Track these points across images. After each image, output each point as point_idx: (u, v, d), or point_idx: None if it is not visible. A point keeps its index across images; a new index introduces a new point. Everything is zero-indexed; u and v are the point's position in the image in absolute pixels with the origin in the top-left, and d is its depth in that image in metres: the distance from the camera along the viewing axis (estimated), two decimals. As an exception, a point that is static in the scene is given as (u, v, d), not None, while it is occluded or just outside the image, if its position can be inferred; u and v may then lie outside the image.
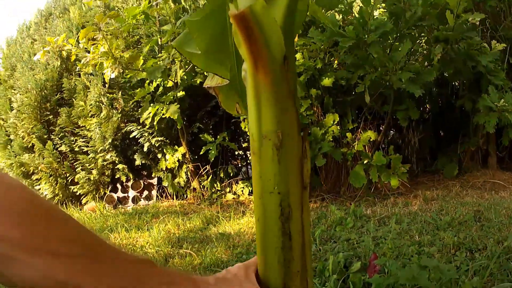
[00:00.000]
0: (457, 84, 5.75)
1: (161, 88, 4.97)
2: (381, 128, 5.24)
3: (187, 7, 5.32)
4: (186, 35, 1.89)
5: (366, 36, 4.32)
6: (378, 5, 4.89)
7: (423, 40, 5.33)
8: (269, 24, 1.05)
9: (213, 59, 1.96)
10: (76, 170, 5.63)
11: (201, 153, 5.01)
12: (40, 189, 5.78)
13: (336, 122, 4.50)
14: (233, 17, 1.03)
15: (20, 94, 5.95)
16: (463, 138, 5.61)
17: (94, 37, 4.79)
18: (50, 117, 5.90)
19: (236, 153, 6.38)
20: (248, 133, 4.63)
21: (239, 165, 6.27)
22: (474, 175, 5.47)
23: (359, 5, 5.20)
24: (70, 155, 5.71)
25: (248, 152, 6.21)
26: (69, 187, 5.70)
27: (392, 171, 4.57)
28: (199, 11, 1.78)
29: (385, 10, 5.02)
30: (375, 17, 4.58)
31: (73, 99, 5.73)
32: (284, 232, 0.93)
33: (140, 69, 4.84)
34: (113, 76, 4.70)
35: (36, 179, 5.83)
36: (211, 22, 1.94)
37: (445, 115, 5.88)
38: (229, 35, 2.11)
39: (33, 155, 5.77)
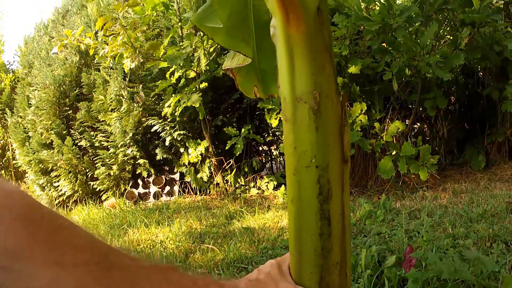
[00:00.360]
0: (481, 75, 5.63)
1: (183, 80, 4.87)
2: (406, 122, 5.12)
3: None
4: (206, 9, 1.79)
5: (391, 20, 4.22)
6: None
7: (449, 25, 5.23)
8: None
9: (236, 36, 1.84)
10: (96, 165, 5.55)
11: (227, 148, 4.91)
12: (59, 186, 5.73)
13: (363, 112, 4.39)
14: None
15: (38, 91, 5.91)
16: (490, 129, 5.50)
17: (112, 28, 4.71)
18: (69, 112, 5.85)
19: (260, 148, 6.29)
20: (271, 124, 4.52)
21: (264, 161, 6.15)
22: (501, 168, 5.38)
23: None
24: (90, 150, 5.65)
25: (272, 148, 6.09)
26: (89, 183, 5.63)
27: (421, 162, 4.45)
28: None
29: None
30: (399, 3, 4.49)
31: (93, 94, 5.66)
32: (322, 215, 0.80)
33: (161, 59, 4.74)
34: (132, 66, 4.60)
35: (55, 176, 5.77)
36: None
37: (472, 106, 5.77)
38: (249, 13, 2.00)
39: (52, 151, 5.71)
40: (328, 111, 0.88)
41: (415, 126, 5.79)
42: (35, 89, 6.00)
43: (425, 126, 5.84)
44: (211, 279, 0.63)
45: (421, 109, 5.00)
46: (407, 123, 5.05)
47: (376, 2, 5.16)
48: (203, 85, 4.67)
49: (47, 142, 5.85)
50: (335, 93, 0.93)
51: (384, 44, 4.36)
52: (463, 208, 3.83)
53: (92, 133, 5.62)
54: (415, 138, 5.31)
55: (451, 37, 5.03)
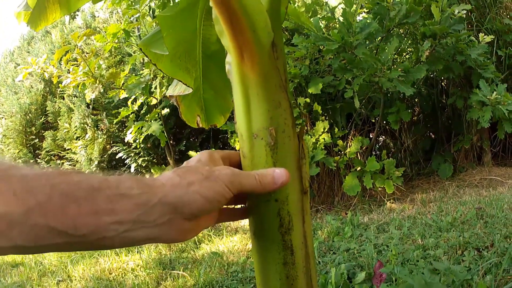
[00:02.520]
0: (444, 84, 5.70)
1: (145, 107, 4.87)
2: (371, 135, 5.15)
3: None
4: (154, 35, 1.77)
5: (351, 38, 4.24)
6: (360, 10, 4.83)
7: (410, 39, 5.28)
8: (254, 5, 0.92)
9: (179, 64, 1.83)
10: (64, 194, 5.50)
11: (190, 172, 4.84)
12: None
13: (326, 130, 4.40)
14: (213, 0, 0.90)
15: (5, 119, 5.86)
16: (456, 137, 5.57)
17: (74, 56, 4.70)
18: (36, 141, 5.82)
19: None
20: (235, 147, 4.51)
21: None
22: (469, 174, 5.42)
23: (342, 8, 5.15)
24: (57, 180, 5.58)
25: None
26: (58, 212, 5.57)
27: (386, 176, 4.47)
28: (173, 6, 1.67)
29: (368, 11, 4.96)
30: (358, 20, 4.51)
31: (58, 122, 5.62)
32: (285, 246, 0.82)
33: (122, 88, 4.73)
34: (93, 96, 4.59)
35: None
36: (183, 19, 1.81)
37: (437, 115, 5.82)
38: (197, 42, 1.99)
39: (19, 180, 5.64)
40: (285, 146, 0.88)
41: (380, 139, 5.82)
42: (2, 117, 5.95)
43: (390, 139, 5.87)
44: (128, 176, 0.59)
45: (384, 122, 5.02)
46: (371, 136, 5.09)
47: (336, 20, 5.20)
48: (165, 111, 4.66)
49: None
50: (292, 127, 0.93)
51: (344, 62, 4.38)
52: (432, 218, 3.84)
53: (58, 161, 5.58)
54: (380, 151, 5.35)
55: (412, 49, 5.07)
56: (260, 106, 0.90)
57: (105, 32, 4.89)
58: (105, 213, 0.53)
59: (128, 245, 0.57)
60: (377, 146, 5.77)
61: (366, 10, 5.01)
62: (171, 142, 5.11)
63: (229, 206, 0.77)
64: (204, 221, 0.68)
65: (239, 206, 0.78)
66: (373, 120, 5.27)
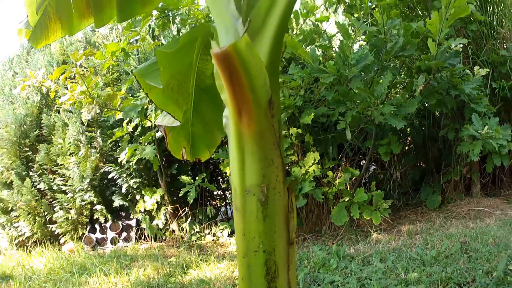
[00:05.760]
0: (437, 114, 5.73)
1: (139, 128, 4.90)
2: (361, 163, 5.18)
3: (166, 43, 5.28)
4: (150, 65, 1.82)
5: (347, 70, 4.28)
6: (358, 38, 4.87)
7: (405, 71, 5.31)
8: (255, 64, 0.96)
9: (171, 96, 1.89)
10: (55, 209, 5.53)
11: (180, 195, 4.92)
12: (19, 226, 5.67)
13: (316, 161, 4.44)
14: (215, 56, 0.94)
15: (1, 128, 5.87)
16: (446, 168, 5.59)
17: (70, 75, 4.74)
18: (29, 153, 5.83)
19: (215, 193, 6.30)
20: (227, 175, 4.53)
21: (218, 205, 6.20)
22: (457, 205, 5.43)
23: (339, 39, 5.18)
24: (48, 193, 5.62)
25: (227, 192, 6.12)
26: (48, 226, 5.60)
27: (374, 207, 4.51)
28: (173, 42, 1.71)
29: (366, 42, 4.98)
30: (355, 51, 4.54)
31: (52, 136, 5.65)
32: None
33: (118, 109, 4.77)
34: (89, 117, 4.63)
35: (15, 216, 5.72)
36: (182, 55, 1.86)
37: (428, 146, 5.85)
38: (192, 74, 2.04)
39: (12, 191, 5.66)
40: (275, 202, 0.95)
41: (371, 168, 5.85)
42: (-3, 126, 5.96)
43: (380, 169, 5.90)
44: None
45: (375, 152, 5.06)
46: (362, 163, 5.12)
47: (333, 48, 5.24)
48: (159, 134, 4.71)
49: (7, 181, 5.81)
50: (283, 184, 0.99)
51: (338, 93, 4.41)
52: (416, 251, 3.87)
53: (51, 176, 5.60)
54: (370, 180, 5.38)
55: (407, 82, 5.10)
56: (254, 164, 0.97)
57: (105, 49, 4.93)
58: None
59: None
60: (367, 174, 5.81)
61: (364, 39, 5.05)
62: (164, 163, 5.14)
63: None
64: None
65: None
66: (365, 151, 5.31)
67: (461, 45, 4.70)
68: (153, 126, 4.79)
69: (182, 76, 1.90)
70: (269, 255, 0.92)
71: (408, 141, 6.07)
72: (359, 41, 5.16)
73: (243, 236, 0.97)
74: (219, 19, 1.19)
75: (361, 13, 4.64)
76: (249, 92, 0.96)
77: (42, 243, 5.69)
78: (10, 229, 5.85)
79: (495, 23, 5.72)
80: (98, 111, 4.68)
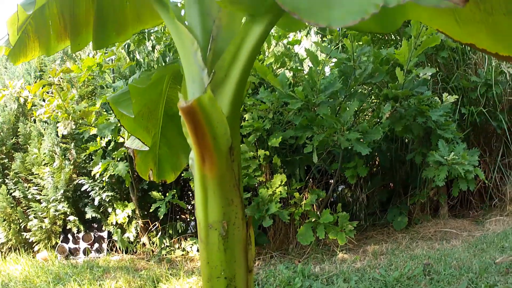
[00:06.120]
0: (406, 139, 5.84)
1: (112, 143, 5.00)
2: (330, 182, 5.28)
3: (141, 60, 5.37)
4: (123, 94, 1.93)
5: (315, 97, 4.38)
6: (328, 64, 4.97)
7: (372, 98, 5.41)
8: (217, 116, 1.11)
9: (141, 123, 2.02)
10: (29, 217, 5.59)
11: (151, 210, 5.01)
12: (-6, 232, 5.73)
13: (283, 183, 4.54)
14: (182, 109, 1.08)
15: (-23, 134, 5.91)
16: (413, 190, 5.68)
17: (48, 91, 4.83)
18: (6, 160, 5.87)
19: (185, 208, 6.37)
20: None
21: (188, 219, 6.25)
22: (424, 226, 5.52)
23: (308, 65, 5.25)
24: (23, 201, 5.68)
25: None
26: (22, 233, 5.66)
27: (340, 228, 4.60)
28: (144, 79, 1.83)
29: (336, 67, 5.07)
30: (326, 74, 4.63)
31: (28, 145, 5.71)
32: None
33: (92, 125, 4.86)
34: (65, 132, 4.73)
35: (-10, 222, 5.77)
36: (152, 91, 2.00)
37: (395, 169, 5.94)
38: (161, 101, 2.16)
39: (-13, 197, 5.71)
40: (235, 235, 1.12)
41: (337, 190, 5.95)
42: (-27, 132, 5.99)
43: (347, 189, 6.00)
44: None
45: (342, 174, 5.16)
46: (331, 182, 5.22)
47: (304, 71, 5.35)
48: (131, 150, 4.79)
49: (-18, 187, 5.85)
50: (242, 220, 1.16)
51: (306, 119, 4.51)
52: (380, 272, 3.95)
53: (25, 184, 5.66)
54: (336, 201, 5.49)
55: (375, 107, 5.22)
56: (216, 203, 1.13)
57: (81, 62, 5.02)
58: None
59: None
60: (335, 194, 5.92)
61: (332, 67, 5.14)
62: (135, 176, 5.23)
63: None
64: None
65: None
66: (332, 172, 5.42)
67: (430, 75, 4.79)
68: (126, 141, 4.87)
69: (152, 104, 2.02)
70: (230, 281, 1.09)
71: (376, 163, 6.17)
72: (330, 64, 5.25)
73: (206, 264, 1.13)
74: (187, 67, 1.30)
75: (331, 37, 4.73)
76: (211, 140, 1.10)
77: (17, 250, 5.75)
78: (-16, 233, 5.90)
79: (467, 49, 5.81)
80: (74, 126, 4.77)
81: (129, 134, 4.63)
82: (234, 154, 1.18)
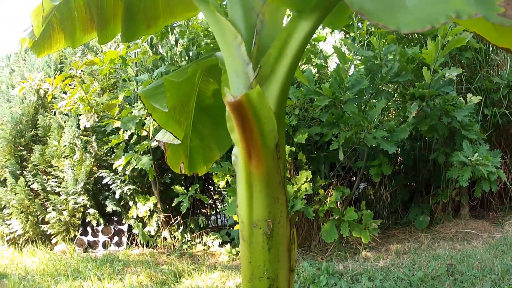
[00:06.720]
0: (428, 138, 5.80)
1: (135, 137, 4.95)
2: (352, 179, 5.24)
3: (164, 53, 5.32)
4: (155, 88, 1.89)
5: (342, 94, 4.34)
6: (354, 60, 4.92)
7: (399, 97, 5.37)
8: (265, 112, 1.07)
9: (173, 117, 1.97)
10: (47, 209, 5.56)
11: (173, 205, 4.97)
12: (11, 224, 5.70)
13: (309, 179, 4.51)
14: (229, 104, 1.04)
15: (-4, 125, 5.88)
16: (435, 190, 5.65)
17: (70, 83, 4.79)
18: (24, 153, 5.84)
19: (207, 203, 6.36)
20: (219, 187, 4.59)
21: (209, 214, 6.23)
22: (445, 226, 5.50)
23: (335, 62, 5.21)
24: (42, 194, 5.65)
25: (218, 201, 6.19)
26: (40, 225, 5.63)
27: (364, 226, 4.57)
28: (180, 72, 1.79)
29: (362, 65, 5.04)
30: (351, 74, 4.60)
31: (47, 138, 5.67)
32: None
33: (116, 118, 4.82)
34: (88, 125, 4.69)
35: (7, 213, 5.75)
36: (186, 85, 1.95)
37: (418, 168, 5.91)
38: (193, 94, 2.11)
39: (5, 189, 5.69)
40: (279, 234, 1.07)
41: (361, 186, 5.92)
42: (-7, 123, 5.97)
43: (370, 188, 5.96)
44: None
45: (366, 172, 5.13)
46: (353, 179, 5.18)
47: (328, 67, 5.30)
48: (154, 144, 4.76)
49: (1, 179, 5.82)
50: (286, 219, 1.11)
51: (333, 116, 4.47)
52: (404, 272, 3.94)
53: (44, 177, 5.62)
54: (359, 199, 5.45)
55: (400, 107, 5.17)
56: (261, 201, 1.08)
57: (103, 56, 4.98)
58: None
59: None
60: (358, 192, 5.88)
61: (358, 64, 5.10)
62: (157, 170, 5.19)
63: None
64: None
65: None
66: (356, 170, 5.38)
67: (455, 75, 4.77)
68: (149, 135, 4.84)
69: (185, 97, 1.98)
70: (273, 281, 1.04)
71: (399, 161, 6.15)
72: (356, 62, 5.21)
73: (249, 263, 1.08)
74: (229, 62, 1.26)
75: (354, 34, 4.69)
76: (258, 136, 1.06)
77: (34, 242, 5.72)
78: (1, 225, 5.87)
79: (490, 49, 5.79)
80: (97, 119, 4.74)
81: (154, 128, 4.63)
82: (280, 151, 1.15)
